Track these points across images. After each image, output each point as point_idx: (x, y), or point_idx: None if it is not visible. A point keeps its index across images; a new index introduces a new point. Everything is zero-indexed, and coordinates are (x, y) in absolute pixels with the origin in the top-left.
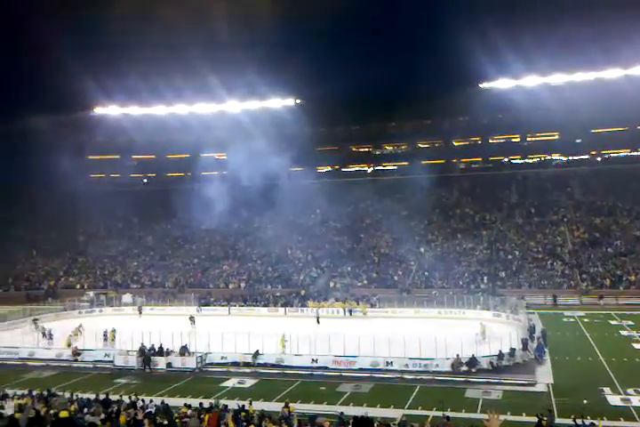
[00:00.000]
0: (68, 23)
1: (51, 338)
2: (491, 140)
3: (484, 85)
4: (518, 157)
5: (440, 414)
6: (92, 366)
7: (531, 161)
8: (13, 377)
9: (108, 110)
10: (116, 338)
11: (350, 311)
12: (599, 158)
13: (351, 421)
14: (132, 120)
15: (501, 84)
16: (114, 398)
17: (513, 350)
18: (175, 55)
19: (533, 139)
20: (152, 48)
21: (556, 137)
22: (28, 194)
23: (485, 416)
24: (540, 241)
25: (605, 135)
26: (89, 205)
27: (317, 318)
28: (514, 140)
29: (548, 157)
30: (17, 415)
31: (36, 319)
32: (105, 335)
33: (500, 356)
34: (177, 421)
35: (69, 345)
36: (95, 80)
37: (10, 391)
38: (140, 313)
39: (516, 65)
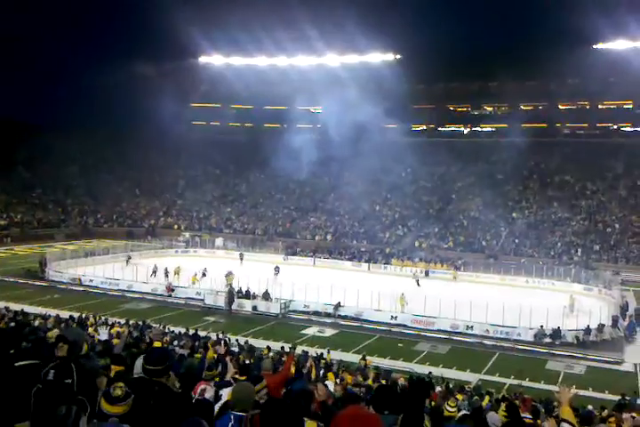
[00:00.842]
0: None
1: (154, 274)
2: (600, 106)
3: (597, 46)
4: (629, 124)
5: (517, 382)
6: (183, 302)
7: None
8: (113, 306)
9: (212, 59)
10: (180, 274)
11: (427, 273)
12: None
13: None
14: (233, 70)
15: (617, 45)
16: (202, 334)
17: (602, 325)
18: (277, 7)
19: None
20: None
21: None
22: (135, 137)
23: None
24: None
25: None
26: (190, 150)
27: (417, 281)
28: (625, 106)
29: None
30: (115, 341)
31: (130, 257)
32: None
33: (587, 331)
34: (259, 361)
35: (230, 283)
36: (201, 30)
37: (110, 319)
38: (242, 260)
39: (634, 25)
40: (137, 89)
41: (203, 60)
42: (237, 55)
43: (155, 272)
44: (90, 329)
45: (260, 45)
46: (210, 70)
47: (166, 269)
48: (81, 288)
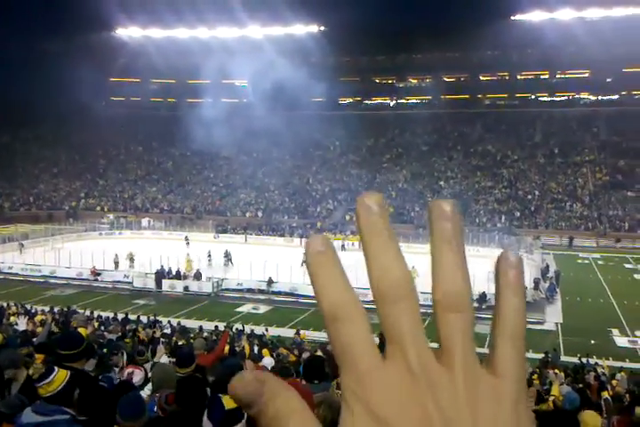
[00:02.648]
0: None
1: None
2: (519, 77)
3: (515, 18)
4: (546, 94)
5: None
6: (111, 286)
7: (558, 99)
8: (35, 294)
9: (130, 32)
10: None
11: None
12: (629, 99)
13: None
14: (153, 43)
15: (534, 16)
16: (132, 317)
17: (524, 288)
18: None
19: (563, 76)
20: None
21: (587, 75)
22: (51, 115)
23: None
24: (560, 182)
25: (638, 75)
26: (110, 127)
27: (342, 246)
28: (542, 76)
29: (577, 96)
30: (39, 330)
31: (22, 244)
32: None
33: None
34: (192, 341)
35: (189, 270)
36: (116, 0)
37: (33, 307)
38: (188, 243)
39: None
40: (50, 65)
41: (119, 32)
42: (156, 27)
43: (117, 263)
44: (12, 318)
45: (180, 17)
46: (128, 43)
47: (131, 254)
48: (0, 276)
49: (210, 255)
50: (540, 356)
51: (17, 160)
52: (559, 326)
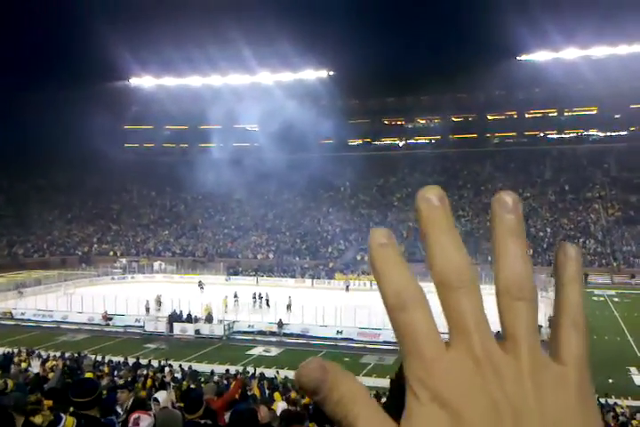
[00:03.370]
0: None
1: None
2: (527, 115)
3: (521, 58)
4: (554, 132)
5: None
6: (122, 330)
7: (567, 136)
8: (47, 339)
9: (144, 81)
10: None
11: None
12: (638, 135)
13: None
14: (166, 91)
15: (539, 56)
16: (143, 362)
17: (539, 327)
18: (209, 26)
19: (571, 114)
20: (186, 19)
21: (595, 112)
22: (66, 162)
23: None
24: (572, 218)
25: None
26: (124, 173)
27: (347, 287)
28: (550, 114)
29: (585, 133)
30: (50, 375)
31: (20, 292)
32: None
33: None
34: (203, 386)
35: (209, 313)
36: (131, 51)
37: (43, 353)
38: (202, 288)
39: (555, 37)
40: (66, 113)
41: (134, 81)
42: (169, 76)
43: (148, 309)
44: (23, 364)
45: (193, 65)
46: (141, 91)
47: (159, 298)
48: (12, 322)
49: (236, 296)
50: None
51: (32, 207)
52: None
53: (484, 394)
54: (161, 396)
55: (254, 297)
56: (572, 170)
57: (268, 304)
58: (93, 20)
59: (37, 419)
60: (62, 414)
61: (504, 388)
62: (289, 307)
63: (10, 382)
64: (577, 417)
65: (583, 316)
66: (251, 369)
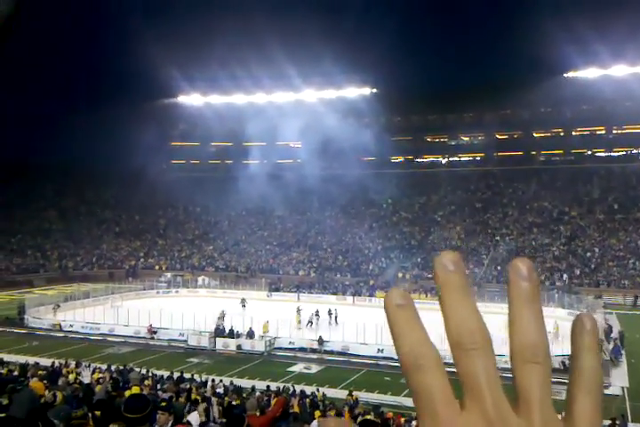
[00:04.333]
0: (154, 14)
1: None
2: (574, 133)
3: (568, 75)
4: (603, 150)
5: None
6: (166, 344)
7: (616, 155)
8: (94, 351)
9: (191, 99)
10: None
11: None
12: None
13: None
14: (212, 108)
15: (587, 73)
16: (186, 376)
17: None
18: (255, 45)
19: (620, 131)
20: (233, 38)
21: None
22: (114, 178)
23: None
24: (621, 239)
25: None
26: (170, 189)
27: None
28: (599, 132)
29: (635, 151)
30: (98, 388)
31: (57, 306)
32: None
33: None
34: (244, 401)
35: (266, 331)
36: (179, 70)
37: (91, 365)
38: (244, 306)
39: (603, 54)
40: (115, 130)
41: (181, 99)
42: (216, 93)
43: (222, 317)
44: (70, 376)
45: (239, 83)
46: (188, 109)
47: (222, 313)
48: (61, 334)
49: (317, 314)
50: (607, 422)
51: (82, 222)
52: (625, 390)
53: None
54: (192, 418)
55: (329, 313)
56: (620, 189)
57: (336, 321)
58: (144, 42)
59: None
60: None
61: None
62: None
63: (59, 395)
64: None
65: (599, 383)
66: (289, 386)
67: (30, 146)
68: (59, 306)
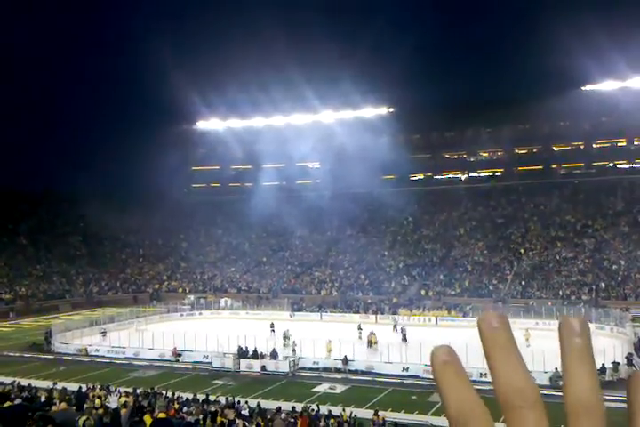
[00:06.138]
0: (173, 41)
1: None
2: (594, 145)
3: (586, 88)
4: (625, 161)
5: None
6: (191, 366)
7: (638, 166)
8: (120, 375)
9: (210, 124)
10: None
11: (436, 320)
12: None
13: None
14: (231, 132)
15: (606, 86)
16: (212, 398)
17: (617, 364)
18: (272, 68)
19: None
20: (251, 62)
21: None
22: (136, 202)
23: None
24: None
25: None
26: (191, 212)
27: (404, 336)
28: (619, 144)
29: None
30: (123, 411)
31: (104, 331)
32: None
33: (603, 370)
34: (270, 423)
35: (330, 351)
36: (198, 95)
37: (117, 389)
38: (273, 331)
39: (621, 66)
40: (137, 155)
41: (201, 124)
42: (235, 117)
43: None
44: (97, 401)
45: (257, 106)
46: (208, 134)
47: (285, 334)
48: (87, 359)
49: (373, 333)
50: None
51: (105, 247)
52: None
53: None
54: None
55: (401, 331)
56: None
57: (405, 339)
58: (164, 69)
59: None
60: None
61: None
62: (404, 337)
63: (90, 420)
64: None
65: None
66: (315, 407)
67: (54, 173)
68: (105, 332)
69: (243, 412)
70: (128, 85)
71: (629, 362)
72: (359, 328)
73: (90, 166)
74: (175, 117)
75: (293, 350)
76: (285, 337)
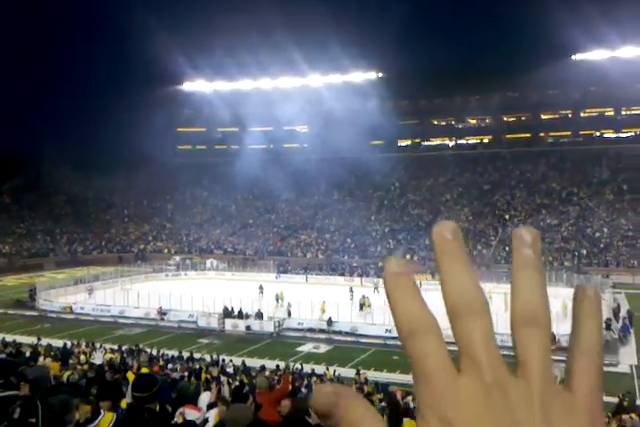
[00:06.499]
0: (160, 1)
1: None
2: (582, 114)
3: (576, 57)
4: (611, 131)
5: None
6: (176, 325)
7: (625, 135)
8: (105, 333)
9: (196, 85)
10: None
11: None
12: None
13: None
14: (218, 94)
15: (595, 55)
16: (196, 356)
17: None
18: (260, 31)
19: (628, 112)
20: (238, 24)
21: None
22: (122, 163)
23: None
24: (630, 218)
25: None
26: (177, 174)
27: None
28: (607, 113)
29: None
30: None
31: (91, 288)
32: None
33: None
34: (254, 380)
35: (324, 311)
36: (185, 56)
37: (103, 346)
38: (262, 292)
39: (611, 35)
40: (122, 116)
41: (187, 86)
42: (222, 80)
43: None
44: (82, 357)
45: (244, 69)
46: (194, 95)
47: (278, 296)
48: (72, 316)
49: (352, 290)
50: (615, 400)
51: (89, 206)
52: (634, 368)
53: (493, 419)
54: (202, 399)
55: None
56: (629, 169)
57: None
58: (150, 29)
59: (77, 413)
60: (102, 411)
61: (512, 414)
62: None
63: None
64: None
65: (598, 347)
66: (299, 365)
67: (39, 134)
68: (92, 289)
69: (227, 370)
70: (113, 45)
71: (608, 327)
72: (350, 291)
73: (75, 127)
74: (161, 78)
75: (289, 312)
76: (279, 298)
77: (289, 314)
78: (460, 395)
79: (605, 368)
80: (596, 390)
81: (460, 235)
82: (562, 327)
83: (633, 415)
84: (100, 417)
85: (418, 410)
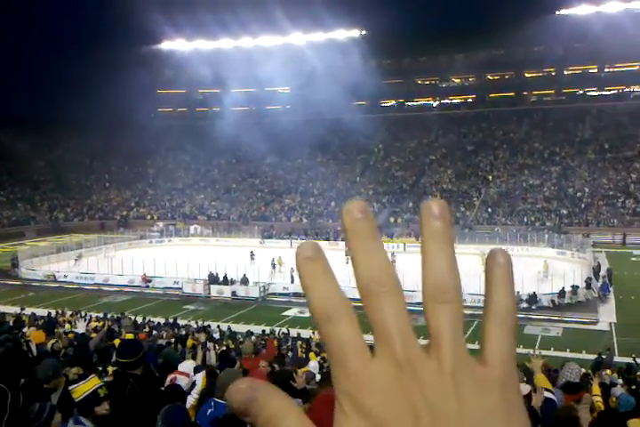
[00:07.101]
0: None
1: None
2: (565, 72)
3: (560, 12)
4: (594, 89)
5: None
6: (161, 292)
7: (607, 94)
8: (89, 301)
9: (176, 44)
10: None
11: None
12: None
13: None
14: (198, 54)
15: (579, 10)
16: (182, 322)
17: (576, 287)
18: None
19: (612, 70)
20: None
21: (637, 68)
22: (100, 127)
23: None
24: (612, 178)
25: None
26: (158, 138)
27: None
28: (591, 71)
29: (627, 90)
30: (93, 335)
31: (79, 255)
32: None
33: (562, 293)
34: (240, 345)
35: (281, 264)
36: (163, 14)
37: (87, 315)
38: (253, 258)
39: None
40: (99, 78)
41: (166, 45)
42: (201, 39)
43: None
44: (67, 326)
45: (224, 27)
46: (174, 55)
47: (273, 260)
48: (56, 284)
49: (347, 254)
50: (594, 357)
51: (70, 172)
52: (613, 325)
53: (404, 398)
54: (185, 366)
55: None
56: (611, 128)
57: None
58: None
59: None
60: (88, 375)
61: (424, 392)
62: None
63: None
64: (499, 418)
65: (512, 317)
66: (285, 330)
67: (14, 96)
68: (80, 256)
69: (214, 335)
70: (88, 1)
71: (588, 286)
72: (346, 255)
73: (52, 89)
74: (140, 37)
75: (292, 278)
76: (279, 263)
77: (292, 280)
78: (373, 378)
79: (585, 326)
80: (508, 359)
81: (370, 213)
82: (542, 286)
83: (608, 372)
84: (88, 378)
85: (335, 396)
